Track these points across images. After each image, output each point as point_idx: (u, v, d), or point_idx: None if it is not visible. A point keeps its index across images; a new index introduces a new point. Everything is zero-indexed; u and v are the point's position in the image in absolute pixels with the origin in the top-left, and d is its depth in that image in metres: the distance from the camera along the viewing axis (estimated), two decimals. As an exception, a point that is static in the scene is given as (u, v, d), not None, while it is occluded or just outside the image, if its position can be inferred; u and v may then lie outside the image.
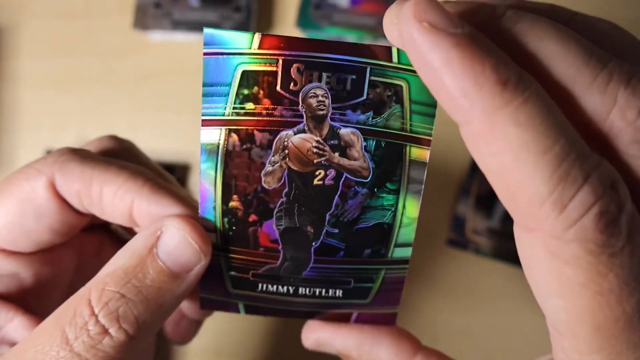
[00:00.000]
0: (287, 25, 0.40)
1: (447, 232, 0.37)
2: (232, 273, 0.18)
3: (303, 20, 0.39)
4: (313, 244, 0.17)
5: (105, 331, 0.16)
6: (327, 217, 0.17)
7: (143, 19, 0.38)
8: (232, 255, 0.18)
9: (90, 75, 0.40)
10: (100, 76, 0.40)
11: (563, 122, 0.12)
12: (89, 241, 0.21)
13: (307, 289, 0.18)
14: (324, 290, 0.18)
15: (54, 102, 0.40)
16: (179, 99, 0.39)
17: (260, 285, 0.18)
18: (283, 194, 0.16)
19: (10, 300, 0.19)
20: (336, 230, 0.17)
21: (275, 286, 0.18)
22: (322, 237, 0.17)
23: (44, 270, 0.20)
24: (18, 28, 0.40)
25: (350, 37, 0.39)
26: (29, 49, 0.40)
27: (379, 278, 0.18)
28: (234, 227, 0.17)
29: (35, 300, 0.19)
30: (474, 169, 0.37)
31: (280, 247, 0.17)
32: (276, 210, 0.17)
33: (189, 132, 0.39)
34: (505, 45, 0.13)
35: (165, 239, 0.17)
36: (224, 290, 0.19)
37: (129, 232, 0.23)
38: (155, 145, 0.39)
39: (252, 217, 0.17)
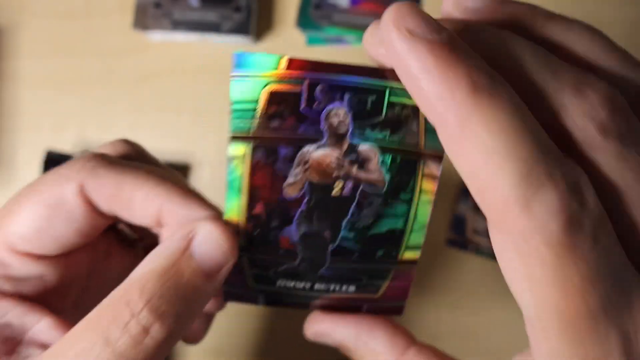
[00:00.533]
0: (287, 25, 0.40)
1: (447, 232, 0.37)
2: (254, 271, 0.19)
3: (303, 20, 0.39)
4: (330, 247, 0.19)
5: (146, 330, 0.16)
6: (344, 224, 0.18)
7: (143, 19, 0.38)
8: (254, 255, 0.19)
9: (90, 75, 0.40)
10: (100, 76, 0.40)
11: (532, 125, 0.12)
12: (100, 241, 0.22)
13: (323, 285, 0.20)
14: (338, 286, 0.20)
15: (54, 102, 0.40)
16: (179, 99, 0.39)
17: (279, 281, 0.20)
18: (303, 203, 0.18)
19: (36, 301, 0.19)
20: (352, 235, 0.18)
21: (293, 282, 0.20)
22: (338, 241, 0.19)
23: (66, 271, 0.20)
24: (18, 28, 0.40)
25: (350, 37, 0.39)
26: (29, 49, 0.40)
27: (389, 276, 0.20)
28: (257, 231, 0.18)
29: (57, 301, 0.20)
30: None
31: (298, 250, 0.19)
32: (296, 217, 0.18)
33: (189, 132, 0.39)
34: (481, 50, 0.13)
35: (199, 240, 0.18)
36: (245, 285, 0.20)
37: (135, 231, 0.24)
38: (155, 145, 0.39)
39: (274, 223, 0.18)
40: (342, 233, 0.18)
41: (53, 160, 0.37)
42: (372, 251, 0.19)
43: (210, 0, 0.38)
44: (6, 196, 0.41)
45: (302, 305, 0.21)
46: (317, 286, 0.20)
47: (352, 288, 0.20)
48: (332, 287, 0.20)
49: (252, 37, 0.38)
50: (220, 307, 0.24)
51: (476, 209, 0.37)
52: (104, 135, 0.39)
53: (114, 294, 0.17)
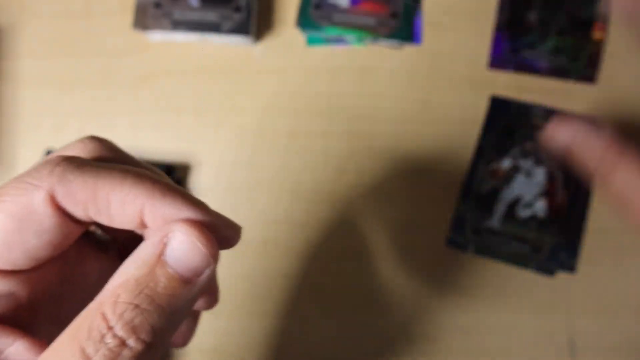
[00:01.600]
0: (288, 25, 0.40)
1: (447, 232, 0.37)
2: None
3: (303, 20, 0.39)
4: None
5: (123, 343, 0.16)
6: None
7: (143, 19, 0.38)
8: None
9: (91, 75, 0.40)
10: (100, 76, 0.40)
11: None
12: (71, 247, 0.20)
13: None
14: None
15: (54, 102, 0.40)
16: (179, 99, 0.39)
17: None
18: None
19: (7, 321, 0.18)
20: None
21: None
22: None
23: (38, 285, 0.19)
24: (18, 28, 0.40)
25: (351, 37, 0.39)
26: (30, 49, 0.40)
27: None
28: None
29: (30, 317, 0.19)
30: (474, 168, 0.37)
31: None
32: None
33: (189, 132, 0.39)
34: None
35: (173, 246, 0.17)
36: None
37: (108, 232, 0.23)
38: (156, 145, 0.39)
39: None
40: None
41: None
42: None
43: (210, 0, 0.38)
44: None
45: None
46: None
47: None
48: None
49: (252, 37, 0.38)
50: (209, 306, 0.23)
51: (476, 208, 0.37)
52: (105, 135, 0.39)
53: (90, 306, 0.16)
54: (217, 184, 0.39)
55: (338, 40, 0.39)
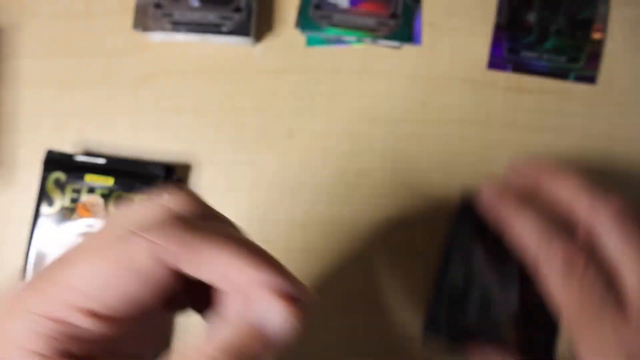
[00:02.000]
0: (287, 25, 0.40)
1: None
2: None
3: (303, 20, 0.39)
4: None
5: None
6: None
7: (143, 20, 0.38)
8: None
9: (91, 76, 0.40)
10: (100, 76, 0.40)
11: None
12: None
13: None
14: None
15: (55, 102, 0.40)
16: (179, 99, 0.40)
17: None
18: None
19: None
20: None
21: None
22: None
23: (122, 330, 0.19)
24: (19, 28, 0.40)
25: (350, 38, 0.39)
26: (30, 49, 0.40)
27: None
28: None
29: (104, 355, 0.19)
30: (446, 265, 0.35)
31: None
32: None
33: (189, 132, 0.39)
34: None
35: (264, 314, 0.19)
36: None
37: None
38: (156, 145, 0.39)
39: None
40: None
41: (53, 160, 0.37)
42: None
43: (211, 1, 0.38)
44: (6, 196, 0.41)
45: None
46: None
47: None
48: None
49: (252, 37, 0.38)
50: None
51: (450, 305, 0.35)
52: (105, 135, 0.40)
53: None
54: (217, 184, 0.39)
55: (338, 41, 0.39)
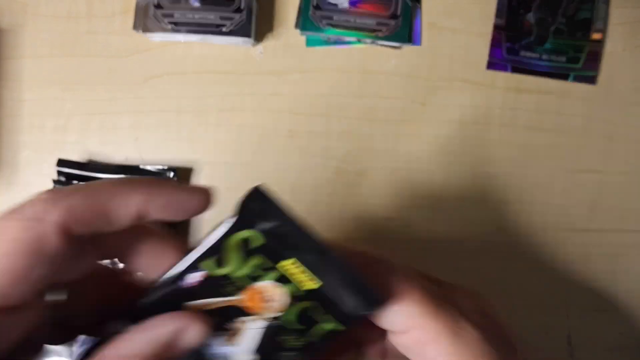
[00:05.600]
0: (288, 26, 0.40)
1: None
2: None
3: (303, 21, 0.39)
4: None
5: None
6: None
7: (144, 20, 0.38)
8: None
9: (92, 76, 0.40)
10: (101, 77, 0.40)
11: None
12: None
13: None
14: None
15: (56, 103, 0.40)
16: (180, 99, 0.40)
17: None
18: None
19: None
20: None
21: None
22: None
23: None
24: (20, 29, 0.40)
25: (350, 38, 0.39)
26: (31, 50, 0.40)
27: None
28: None
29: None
30: None
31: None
32: None
33: (189, 132, 0.39)
34: None
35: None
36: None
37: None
38: (156, 145, 0.39)
39: None
40: None
41: (64, 166, 0.37)
42: None
43: (211, 2, 0.38)
44: (8, 196, 0.41)
45: None
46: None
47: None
48: None
49: (253, 38, 0.38)
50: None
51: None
52: (106, 135, 0.40)
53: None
54: (217, 184, 0.39)
55: (338, 41, 0.39)
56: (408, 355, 0.22)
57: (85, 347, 0.19)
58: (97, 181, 0.19)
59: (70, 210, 0.17)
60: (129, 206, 0.18)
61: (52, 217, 0.17)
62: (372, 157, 0.39)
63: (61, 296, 0.20)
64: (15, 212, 0.17)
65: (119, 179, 0.19)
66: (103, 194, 0.18)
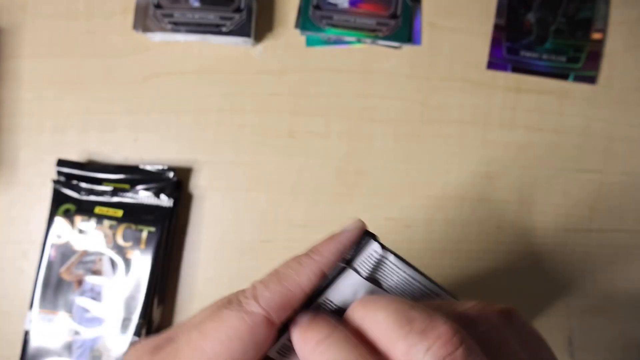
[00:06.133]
0: (287, 26, 0.40)
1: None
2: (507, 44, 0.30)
3: (303, 21, 0.39)
4: None
5: None
6: None
7: (143, 20, 0.38)
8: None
9: (92, 76, 0.40)
10: (101, 77, 0.40)
11: None
12: None
13: None
14: None
15: (55, 103, 0.40)
16: (180, 99, 0.40)
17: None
18: None
19: None
20: None
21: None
22: None
23: None
24: (20, 29, 0.40)
25: (350, 38, 0.39)
26: (31, 50, 0.40)
27: None
28: None
29: None
30: None
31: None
32: None
33: (189, 132, 0.39)
34: None
35: None
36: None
37: None
38: (156, 145, 0.39)
39: None
40: None
41: (64, 166, 0.37)
42: None
43: (211, 2, 0.38)
44: (8, 196, 0.41)
45: None
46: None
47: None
48: None
49: (252, 38, 0.38)
50: None
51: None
52: (105, 135, 0.40)
53: None
54: (217, 184, 0.39)
55: (338, 41, 0.39)
56: None
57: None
58: (283, 267, 0.23)
59: (271, 304, 0.21)
60: (309, 288, 0.22)
61: (259, 310, 0.21)
62: (372, 157, 0.39)
63: None
64: (227, 304, 0.21)
65: (294, 261, 0.23)
66: (289, 282, 0.22)
